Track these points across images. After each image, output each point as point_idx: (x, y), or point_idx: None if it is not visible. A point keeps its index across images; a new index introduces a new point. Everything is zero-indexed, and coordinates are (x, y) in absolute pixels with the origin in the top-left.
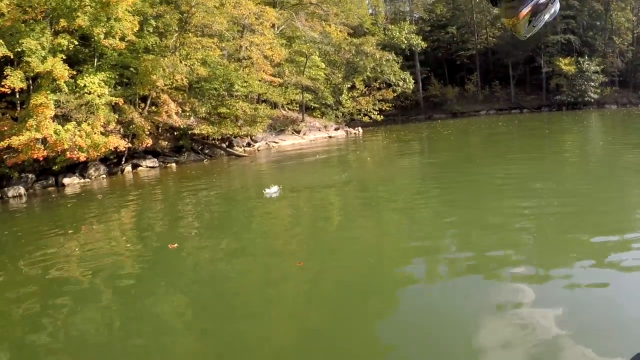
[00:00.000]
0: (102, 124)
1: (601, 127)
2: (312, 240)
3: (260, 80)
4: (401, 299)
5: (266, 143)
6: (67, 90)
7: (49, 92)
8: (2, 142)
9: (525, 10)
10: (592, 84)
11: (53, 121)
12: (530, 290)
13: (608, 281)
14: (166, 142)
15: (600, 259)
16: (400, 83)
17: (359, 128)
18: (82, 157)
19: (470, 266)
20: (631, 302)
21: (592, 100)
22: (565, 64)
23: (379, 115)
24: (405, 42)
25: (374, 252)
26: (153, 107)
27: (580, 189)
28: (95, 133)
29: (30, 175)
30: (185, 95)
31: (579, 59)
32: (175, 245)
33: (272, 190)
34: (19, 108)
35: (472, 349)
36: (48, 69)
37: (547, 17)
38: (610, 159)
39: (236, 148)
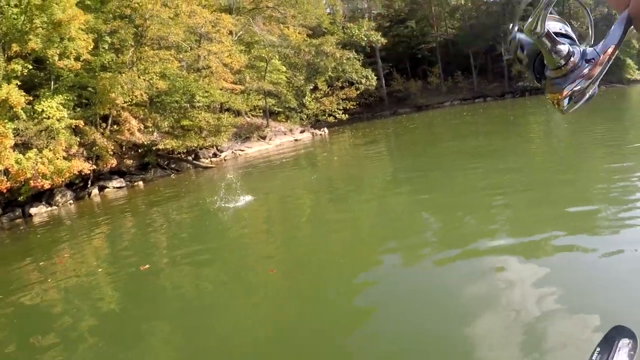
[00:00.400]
0: (63, 148)
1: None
2: (284, 245)
3: (221, 89)
4: (379, 283)
5: (232, 152)
6: (25, 117)
7: (6, 120)
8: None
9: (567, 91)
10: None
11: (13, 150)
12: (510, 259)
13: (583, 246)
14: (131, 161)
15: (571, 227)
16: (363, 81)
17: (325, 129)
18: (47, 184)
19: (447, 244)
20: (607, 264)
21: None
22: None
23: (344, 115)
24: (365, 39)
25: (348, 249)
26: (115, 126)
27: (547, 166)
28: (57, 158)
29: None
30: (146, 110)
31: None
32: (147, 266)
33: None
34: None
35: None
36: (3, 97)
37: (587, 97)
38: (574, 138)
39: (202, 160)
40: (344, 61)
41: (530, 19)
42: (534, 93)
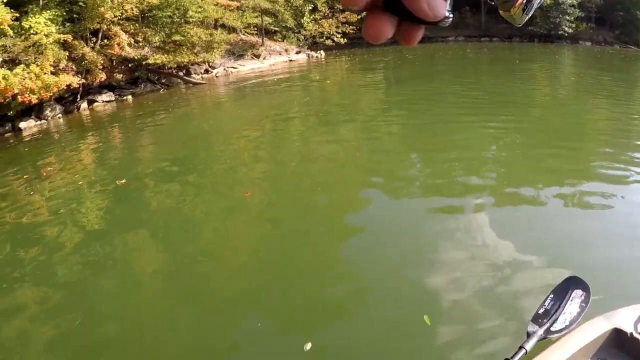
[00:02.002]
0: (51, 63)
1: (573, 62)
2: (265, 168)
3: (215, 5)
4: (359, 220)
5: (224, 69)
6: (12, 33)
7: None
8: None
9: (519, 2)
10: (567, 17)
11: (1, 67)
12: (489, 205)
13: (566, 197)
14: (121, 75)
15: (559, 178)
16: None
17: (322, 51)
18: (34, 99)
19: (429, 186)
20: (587, 217)
21: (566, 35)
22: None
23: (342, 39)
24: None
25: (329, 177)
26: (105, 41)
27: (547, 115)
28: (45, 74)
29: None
30: (137, 25)
31: None
32: (124, 181)
33: None
34: None
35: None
36: None
37: (536, 4)
38: (578, 88)
39: (194, 76)
40: None
41: None
42: (543, 40)
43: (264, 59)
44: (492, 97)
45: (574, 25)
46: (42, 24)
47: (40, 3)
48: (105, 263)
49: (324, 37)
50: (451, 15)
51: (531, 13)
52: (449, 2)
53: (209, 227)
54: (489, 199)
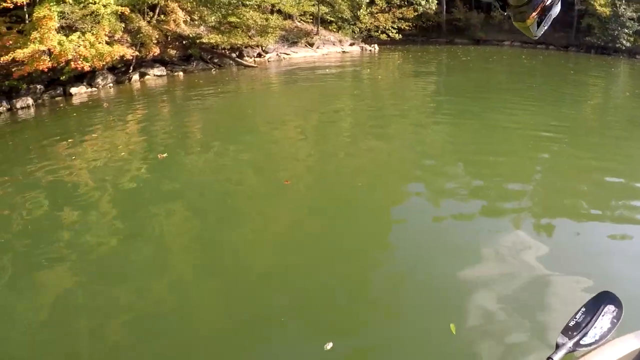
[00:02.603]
0: (106, 33)
1: (629, 77)
2: (309, 158)
3: None
4: (398, 216)
5: (277, 54)
6: (71, 1)
7: (52, 4)
8: (6, 56)
9: (534, 14)
10: (626, 30)
11: (58, 32)
12: (529, 219)
13: (608, 217)
14: (175, 51)
15: (603, 197)
16: (423, 2)
17: (375, 45)
18: (87, 67)
19: (472, 193)
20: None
21: (624, 48)
22: (601, 5)
23: (397, 34)
24: None
25: (372, 175)
26: (162, 16)
27: (598, 130)
28: (99, 43)
29: (38, 87)
30: (194, 3)
31: (616, 1)
32: (165, 155)
33: None
34: (27, 22)
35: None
36: None
37: (553, 16)
38: (633, 111)
39: (246, 58)
40: None
41: None
42: (600, 52)
43: (317, 48)
44: (544, 106)
45: (632, 39)
46: None
47: None
48: (138, 233)
49: (379, 31)
50: None
51: (547, 25)
52: None
53: (243, 211)
54: (531, 208)
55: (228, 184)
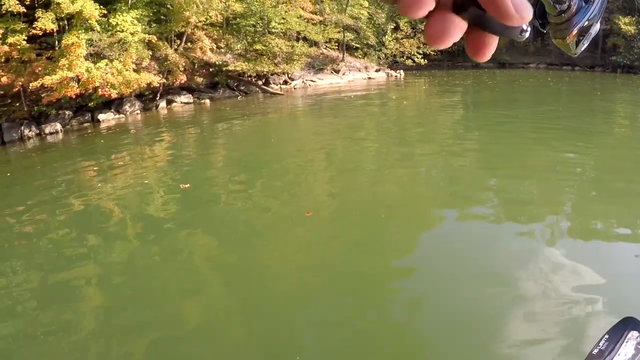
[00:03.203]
0: (133, 61)
1: None
2: (335, 187)
3: (299, 18)
4: (425, 240)
5: (303, 81)
6: (99, 29)
7: (80, 31)
8: (35, 82)
9: (574, 32)
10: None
11: (86, 60)
12: (562, 243)
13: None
14: (201, 79)
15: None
16: None
17: (401, 71)
18: (114, 94)
19: (501, 218)
20: None
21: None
22: (625, 24)
23: (422, 59)
24: None
25: (397, 203)
26: (189, 44)
27: (628, 155)
28: (126, 70)
29: (67, 112)
30: (221, 31)
31: None
32: (187, 185)
33: None
34: (56, 49)
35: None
36: (78, 9)
37: (593, 34)
38: None
39: (272, 85)
40: None
41: None
42: (626, 70)
43: (343, 74)
44: (570, 128)
45: None
46: (129, 23)
47: (129, 2)
48: (164, 258)
49: (405, 57)
50: (529, 28)
51: (587, 43)
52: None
53: (262, 243)
54: (556, 229)
55: (247, 216)
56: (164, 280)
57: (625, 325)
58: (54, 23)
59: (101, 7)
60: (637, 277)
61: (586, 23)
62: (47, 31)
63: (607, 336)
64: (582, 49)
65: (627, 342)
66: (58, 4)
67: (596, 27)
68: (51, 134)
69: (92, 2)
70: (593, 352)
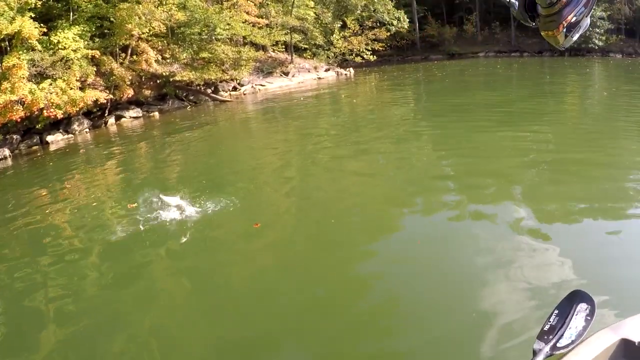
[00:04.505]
0: (77, 78)
1: (604, 76)
2: (291, 190)
3: (244, 22)
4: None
5: (252, 86)
6: (40, 48)
7: (21, 52)
8: None
9: (564, 24)
10: (597, 30)
11: (29, 81)
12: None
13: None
14: (149, 91)
15: (591, 199)
16: (395, 22)
17: (351, 69)
18: (60, 114)
19: (456, 206)
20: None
21: (596, 48)
22: None
23: (372, 56)
24: None
25: (359, 201)
26: (134, 57)
27: (578, 135)
28: (71, 89)
29: (15, 136)
30: (165, 42)
31: None
32: (135, 204)
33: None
34: None
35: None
36: (16, 30)
37: (581, 30)
38: (611, 110)
39: (222, 93)
40: (375, 0)
41: None
42: (574, 54)
43: (292, 76)
44: (521, 112)
45: (604, 38)
46: (70, 39)
47: (70, 18)
48: (115, 279)
49: (354, 55)
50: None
51: (576, 36)
52: None
53: (217, 253)
54: (511, 212)
55: (193, 230)
56: (121, 296)
57: (573, 299)
58: None
59: (41, 25)
60: (597, 252)
61: (574, 19)
62: None
63: (556, 311)
64: (571, 42)
65: (576, 314)
66: None
67: (586, 21)
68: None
69: (31, 21)
70: (544, 328)
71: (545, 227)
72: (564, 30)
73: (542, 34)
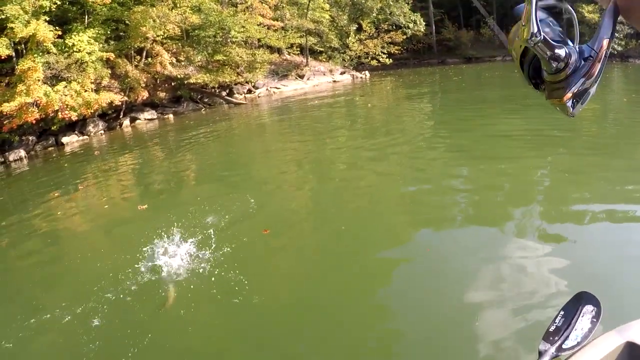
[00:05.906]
0: (92, 81)
1: (623, 82)
2: (303, 199)
3: (259, 25)
4: (398, 254)
5: (267, 89)
6: (55, 51)
7: (36, 55)
8: None
9: (570, 94)
10: (616, 35)
11: (44, 83)
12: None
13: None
14: (164, 93)
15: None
16: (411, 25)
17: (367, 72)
18: (74, 116)
19: (473, 218)
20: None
21: (615, 53)
22: (589, 11)
23: (387, 59)
24: None
25: (368, 214)
26: (149, 59)
27: (598, 143)
28: (85, 91)
29: (30, 138)
30: (180, 44)
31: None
32: (145, 206)
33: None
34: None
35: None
36: (31, 33)
37: (591, 94)
38: (633, 115)
39: (236, 95)
40: (391, 3)
41: (522, 23)
42: None
43: (307, 79)
44: (540, 116)
45: (623, 43)
46: (85, 42)
47: (85, 21)
48: (126, 277)
49: (369, 58)
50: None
51: (585, 104)
52: None
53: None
54: (526, 216)
55: (203, 235)
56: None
57: (579, 300)
58: (8, 48)
59: (56, 28)
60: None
61: (582, 87)
62: (2, 57)
63: (562, 312)
64: (580, 110)
65: (582, 316)
66: (12, 28)
67: (593, 89)
68: (15, 161)
69: (46, 24)
70: (550, 329)
71: (557, 228)
72: (572, 99)
73: (549, 102)
